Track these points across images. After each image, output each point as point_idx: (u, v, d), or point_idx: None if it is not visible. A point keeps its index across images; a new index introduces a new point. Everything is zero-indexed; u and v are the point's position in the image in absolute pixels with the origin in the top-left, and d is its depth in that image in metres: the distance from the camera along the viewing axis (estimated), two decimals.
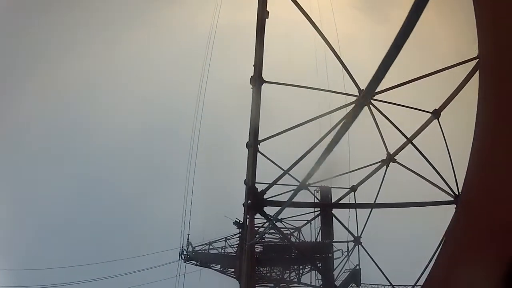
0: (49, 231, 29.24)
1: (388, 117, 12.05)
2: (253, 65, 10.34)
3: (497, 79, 5.40)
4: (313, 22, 9.91)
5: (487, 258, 4.61)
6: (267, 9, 9.13)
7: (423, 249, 12.70)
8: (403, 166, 12.83)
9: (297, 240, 20.05)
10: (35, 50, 28.98)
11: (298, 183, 11.08)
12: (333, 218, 15.55)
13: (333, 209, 15.51)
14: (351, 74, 11.01)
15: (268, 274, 20.52)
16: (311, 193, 15.65)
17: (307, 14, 9.75)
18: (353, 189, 14.82)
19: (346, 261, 16.78)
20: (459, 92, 10.84)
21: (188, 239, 20.93)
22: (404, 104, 12.27)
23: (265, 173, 12.46)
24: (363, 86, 10.72)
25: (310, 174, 3.63)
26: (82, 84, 31.43)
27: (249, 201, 12.48)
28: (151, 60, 31.94)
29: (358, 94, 11.17)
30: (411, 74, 11.80)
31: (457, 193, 11.31)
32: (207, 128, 21.90)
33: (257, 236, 14.91)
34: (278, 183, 12.04)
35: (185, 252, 20.84)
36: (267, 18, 9.22)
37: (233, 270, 20.35)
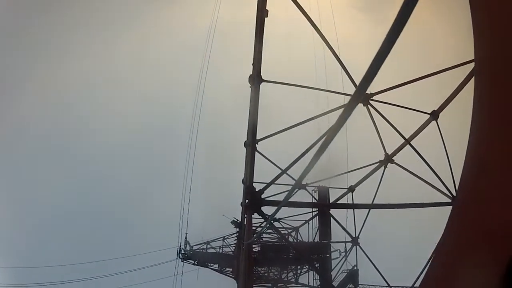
0: (48, 231, 29.28)
1: (387, 118, 12.07)
2: (252, 64, 10.35)
3: (492, 83, 5.41)
4: (313, 21, 9.93)
5: (484, 260, 4.61)
6: (266, 8, 9.15)
7: (421, 249, 12.71)
8: (401, 167, 12.86)
9: (295, 240, 20.05)
10: (35, 50, 29.01)
11: (295, 182, 11.07)
12: (331, 218, 15.56)
13: (331, 209, 15.52)
14: (349, 74, 11.02)
15: (266, 274, 20.51)
16: (309, 193, 15.68)
17: (307, 14, 9.77)
18: (351, 189, 14.84)
19: (344, 262, 16.81)
20: (458, 93, 10.84)
21: (186, 238, 20.93)
22: (403, 105, 12.29)
23: (263, 173, 12.46)
24: None
25: (305, 173, 3.62)
26: (82, 84, 31.47)
27: (247, 201, 12.47)
28: (150, 59, 31.99)
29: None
30: (409, 75, 11.82)
31: (454, 194, 11.31)
32: (206, 127, 21.92)
33: (254, 235, 14.89)
34: (276, 182, 12.03)
35: (183, 251, 20.83)
36: (267, 17, 9.23)
37: (231, 269, 20.33)
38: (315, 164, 3.36)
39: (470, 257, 5.14)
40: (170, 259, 21.43)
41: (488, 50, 5.72)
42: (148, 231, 29.71)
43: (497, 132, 5.09)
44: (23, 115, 30.27)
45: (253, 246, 17.60)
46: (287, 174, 11.80)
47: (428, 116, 11.71)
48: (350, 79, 11.04)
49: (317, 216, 16.87)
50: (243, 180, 12.70)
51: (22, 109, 29.76)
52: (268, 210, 12.51)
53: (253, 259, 17.35)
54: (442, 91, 11.56)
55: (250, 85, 10.52)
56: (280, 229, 18.72)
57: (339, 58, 10.91)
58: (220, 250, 20.99)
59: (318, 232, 17.25)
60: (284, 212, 17.09)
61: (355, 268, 15.85)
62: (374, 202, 13.65)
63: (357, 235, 15.11)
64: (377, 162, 13.31)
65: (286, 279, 20.21)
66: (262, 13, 9.13)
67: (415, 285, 11.93)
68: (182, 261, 20.81)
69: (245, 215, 13.35)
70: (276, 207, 11.81)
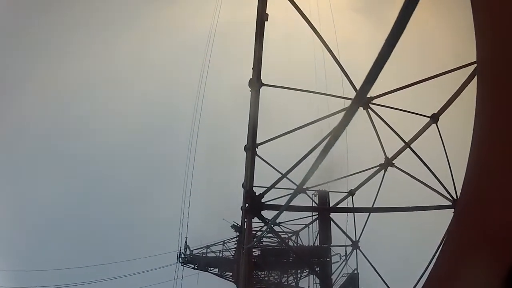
0: (48, 231, 29.23)
1: (387, 121, 12.05)
2: (252, 68, 10.33)
3: (495, 84, 5.38)
4: (312, 24, 9.91)
5: (486, 261, 4.57)
6: (266, 12, 9.13)
7: (421, 253, 12.64)
8: (401, 170, 12.81)
9: (295, 244, 19.99)
10: (35, 50, 29.01)
11: (296, 187, 11.03)
12: (331, 222, 15.50)
13: (331, 213, 15.45)
14: (349, 78, 11.00)
15: (266, 278, 20.45)
16: (309, 197, 15.62)
17: (306, 17, 9.75)
18: (351, 193, 14.79)
19: (344, 266, 16.72)
20: (458, 96, 10.83)
21: (186, 242, 20.87)
22: (403, 109, 12.28)
23: (263, 176, 12.42)
24: None
25: (306, 178, 3.59)
26: (82, 84, 31.45)
27: (247, 205, 12.43)
28: (150, 59, 31.98)
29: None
30: (409, 78, 11.81)
31: (455, 197, 11.28)
32: (206, 130, 21.90)
33: (254, 239, 14.84)
34: (276, 186, 12.00)
35: (183, 255, 20.76)
36: (267, 20, 9.21)
37: (231, 274, 20.27)
38: (317, 168, 3.34)
39: (472, 258, 5.11)
40: (170, 263, 21.39)
41: (490, 50, 5.69)
42: (148, 231, 29.73)
43: (500, 133, 5.07)
44: (23, 115, 30.30)
45: (253, 250, 17.55)
46: (287, 178, 11.77)
47: (428, 119, 11.69)
48: (350, 83, 11.02)
49: (317, 220, 16.80)
50: (243, 184, 12.66)
51: (22, 109, 29.79)
52: (268, 214, 12.49)
53: (253, 263, 17.30)
54: (442, 94, 11.55)
55: (250, 89, 10.49)
56: (280, 233, 18.66)
57: (339, 62, 10.89)
58: (220, 254, 20.93)
59: (318, 236, 17.18)
60: (284, 216, 17.05)
61: (356, 272, 15.77)
62: (374, 206, 13.60)
63: (357, 239, 15.05)
64: (377, 166, 13.27)
65: (286, 283, 20.15)
66: (262, 17, 9.11)
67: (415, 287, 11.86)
68: (182, 265, 20.75)
69: (245, 219, 13.31)
70: (276, 211, 11.78)
